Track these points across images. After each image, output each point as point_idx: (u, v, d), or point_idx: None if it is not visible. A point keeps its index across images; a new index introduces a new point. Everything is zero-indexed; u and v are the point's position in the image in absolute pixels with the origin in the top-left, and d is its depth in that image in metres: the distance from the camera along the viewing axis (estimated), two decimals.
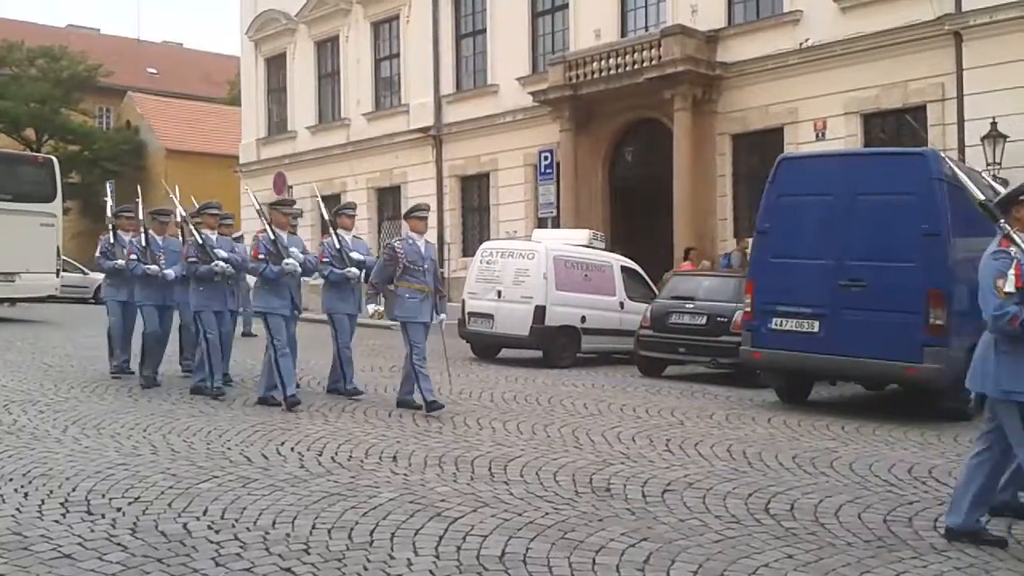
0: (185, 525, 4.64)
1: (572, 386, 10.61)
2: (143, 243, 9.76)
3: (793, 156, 11.59)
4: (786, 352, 9.24)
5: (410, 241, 8.52)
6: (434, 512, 5.00)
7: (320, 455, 6.37)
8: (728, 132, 20.14)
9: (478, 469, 6.11)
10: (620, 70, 20.55)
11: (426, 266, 8.50)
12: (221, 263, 8.90)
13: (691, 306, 12.18)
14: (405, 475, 5.87)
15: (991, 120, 16.02)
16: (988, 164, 15.79)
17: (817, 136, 18.66)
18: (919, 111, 17.59)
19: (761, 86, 19.46)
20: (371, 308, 8.69)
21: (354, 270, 9.09)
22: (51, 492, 5.20)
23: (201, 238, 8.98)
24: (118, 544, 4.32)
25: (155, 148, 39.83)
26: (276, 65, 31.63)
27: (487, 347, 13.81)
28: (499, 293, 13.19)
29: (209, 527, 4.62)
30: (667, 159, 19.85)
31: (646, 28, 21.61)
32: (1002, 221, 4.65)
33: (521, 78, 23.68)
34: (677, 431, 7.68)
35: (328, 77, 29.77)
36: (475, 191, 25.41)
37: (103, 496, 5.14)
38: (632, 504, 5.36)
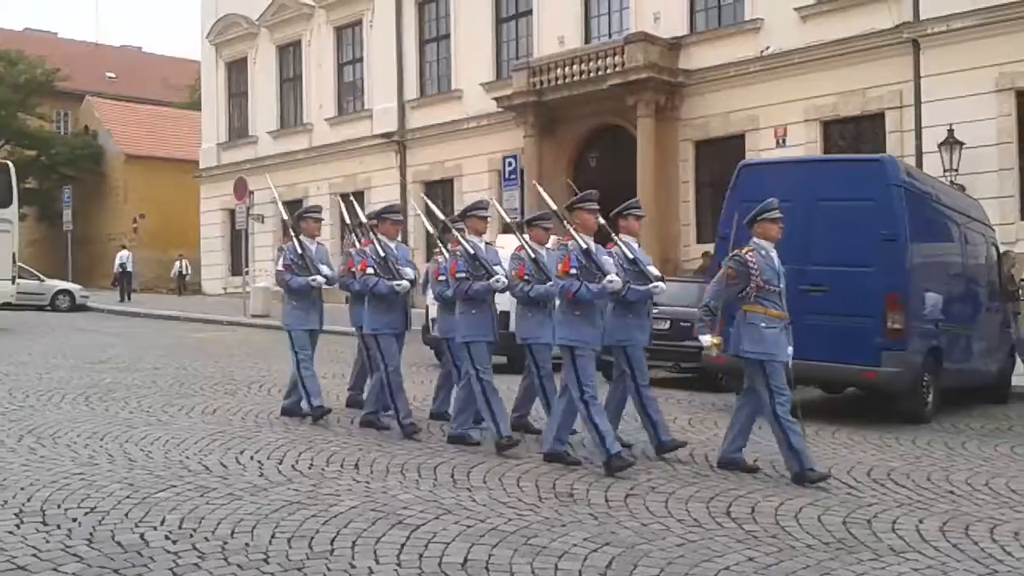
0: (142, 535, 4.56)
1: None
2: (379, 252, 7.57)
3: (754, 162, 11.70)
4: None
5: (763, 252, 6.43)
6: (396, 520, 4.96)
7: (280, 463, 6.29)
8: (691, 139, 20.33)
9: (441, 476, 6.07)
10: (584, 76, 20.66)
11: (782, 286, 6.51)
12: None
13: (654, 311, 12.20)
14: (367, 483, 5.82)
15: (948, 127, 16.34)
16: (945, 170, 16.10)
17: (778, 143, 18.90)
18: (877, 118, 17.90)
19: (723, 93, 19.68)
20: (707, 340, 6.47)
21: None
22: (5, 502, 5.08)
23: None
24: (74, 555, 4.23)
25: (114, 153, 39.25)
26: (237, 69, 31.38)
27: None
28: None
29: (167, 537, 4.54)
30: (631, 165, 19.97)
31: (609, 35, 21.76)
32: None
33: (485, 84, 23.71)
34: (641, 435, 7.69)
35: (290, 82, 29.60)
36: (439, 197, 25.36)
37: (58, 506, 5.03)
38: (595, 509, 5.36)
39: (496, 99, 22.50)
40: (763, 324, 6.33)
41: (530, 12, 23.14)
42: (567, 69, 20.95)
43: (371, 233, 7.77)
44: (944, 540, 4.98)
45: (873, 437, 8.14)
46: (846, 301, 8.74)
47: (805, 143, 18.41)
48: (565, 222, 6.64)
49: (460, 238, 7.13)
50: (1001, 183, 16.25)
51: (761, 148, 18.91)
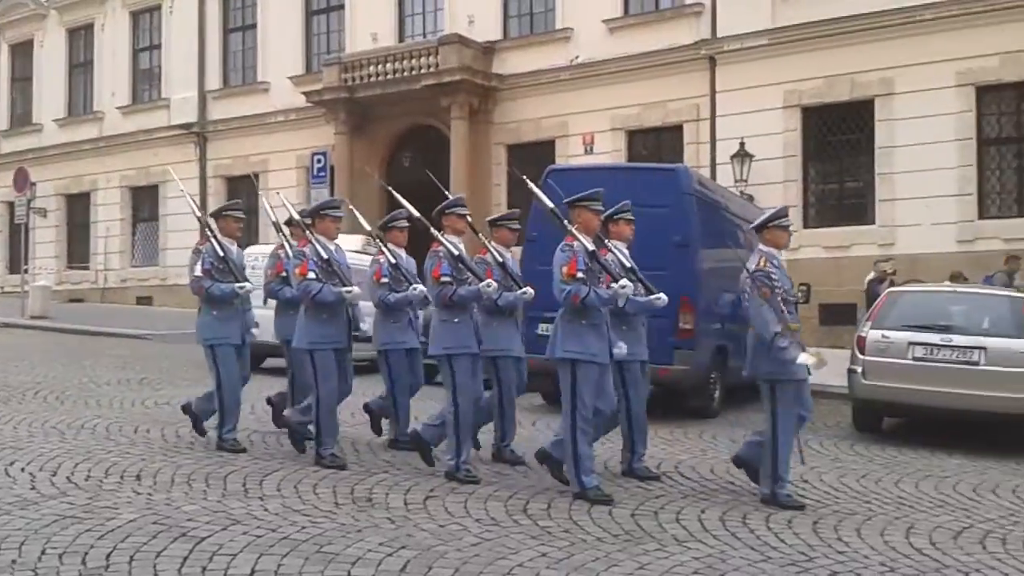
0: None
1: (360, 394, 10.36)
2: (321, 254, 6.53)
3: (561, 168, 11.97)
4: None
5: (775, 262, 6.02)
6: (179, 532, 4.67)
7: (54, 475, 5.81)
8: (503, 142, 20.60)
9: (231, 485, 5.80)
10: (397, 75, 20.51)
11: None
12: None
13: None
14: (149, 494, 5.46)
15: (740, 140, 17.37)
16: (736, 180, 17.11)
17: (586, 150, 19.48)
18: (677, 130, 18.80)
19: (534, 99, 20.07)
20: (807, 357, 5.76)
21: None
22: None
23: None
24: None
25: None
26: (22, 53, 29.10)
27: (252, 356, 13.15)
28: (264, 300, 12.64)
29: None
30: (445, 166, 19.98)
31: (424, 35, 21.70)
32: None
33: (294, 77, 23.08)
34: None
35: (80, 67, 27.70)
36: (244, 192, 24.41)
37: None
38: (393, 513, 5.27)
39: (305, 93, 21.94)
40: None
41: (342, 7, 22.72)
42: (380, 67, 20.71)
43: (308, 232, 6.65)
44: (723, 529, 5.24)
45: (664, 432, 8.48)
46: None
47: (611, 151, 19.07)
48: (566, 223, 5.85)
49: (440, 239, 6.39)
50: (786, 194, 17.41)
51: (570, 154, 19.42)
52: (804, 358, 5.71)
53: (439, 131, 20.82)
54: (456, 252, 6.29)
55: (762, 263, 5.90)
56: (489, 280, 6.22)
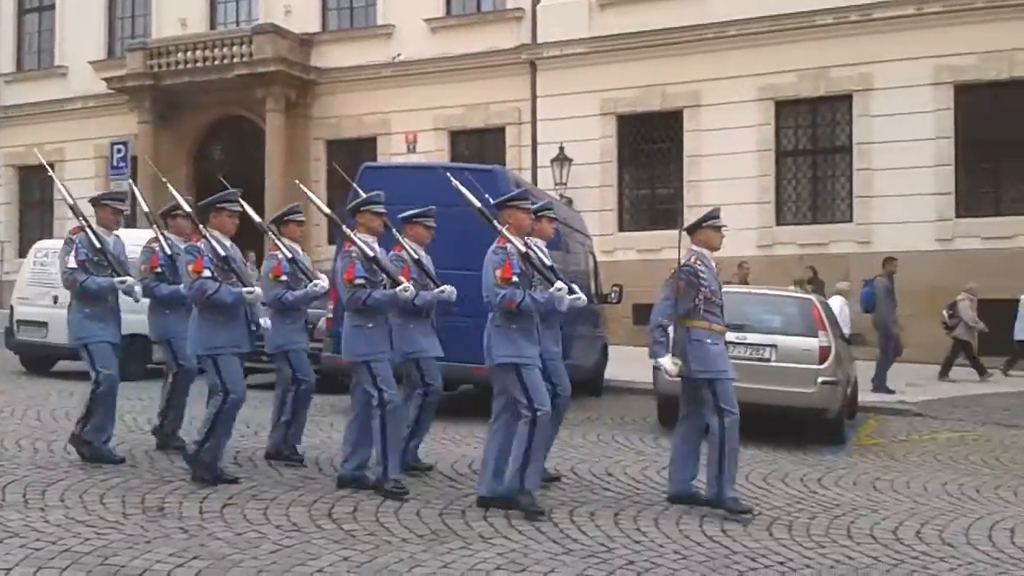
0: None
1: (137, 400, 9.76)
2: (217, 251, 6.00)
3: (376, 165, 11.82)
4: None
5: (706, 262, 5.98)
6: None
7: None
8: (323, 137, 20.17)
9: (10, 496, 5.31)
10: (208, 63, 19.68)
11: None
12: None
13: None
14: None
15: (559, 145, 17.77)
16: (556, 184, 17.50)
17: (409, 148, 19.37)
18: (499, 132, 19.01)
19: (356, 95, 19.77)
20: (666, 362, 5.75)
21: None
22: None
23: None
24: None
25: None
26: None
27: (40, 359, 12.20)
28: (55, 299, 11.76)
29: None
30: (259, 160, 19.35)
31: (237, 23, 20.93)
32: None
33: (95, 62, 21.70)
34: (248, 442, 7.35)
35: None
36: (37, 184, 22.70)
37: None
38: (186, 522, 4.98)
39: (107, 79, 20.64)
40: (708, 340, 5.85)
41: None
42: (190, 54, 19.79)
43: (200, 227, 6.10)
44: (528, 524, 5.27)
45: (479, 431, 8.46)
46: (463, 303, 9.05)
47: (435, 151, 19.05)
48: (495, 222, 5.63)
49: (352, 237, 5.92)
50: (603, 198, 18.00)
51: (393, 152, 19.27)
52: (665, 361, 5.76)
53: (253, 123, 20.13)
54: (372, 253, 5.88)
55: (693, 260, 5.91)
56: (406, 284, 5.90)
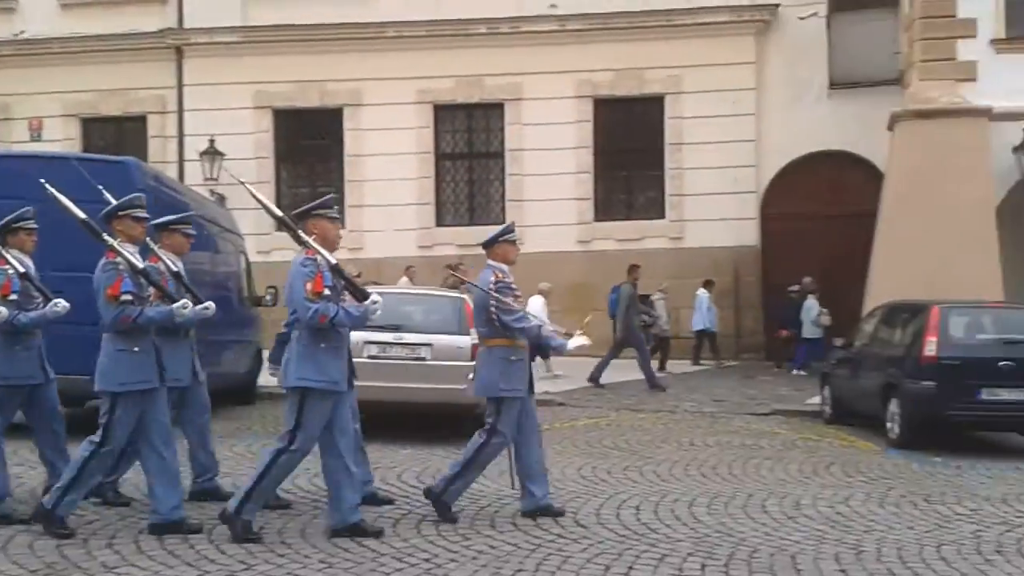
0: None
1: None
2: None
3: None
4: None
5: (507, 273, 5.88)
6: None
7: None
8: None
9: None
10: None
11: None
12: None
13: None
14: None
15: (210, 137, 16.78)
16: (207, 179, 16.51)
17: (33, 136, 17.35)
18: (141, 121, 17.60)
19: None
20: (579, 341, 5.98)
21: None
22: None
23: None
24: None
25: None
26: None
27: None
28: None
29: None
30: None
31: None
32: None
33: None
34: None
35: None
36: None
37: None
38: None
39: None
40: (512, 357, 5.77)
41: None
42: None
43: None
44: (160, 548, 4.79)
45: None
46: (82, 310, 8.10)
47: (63, 139, 17.20)
48: (300, 232, 5.15)
49: (117, 247, 5.13)
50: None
51: (15, 140, 17.12)
52: (578, 341, 5.94)
53: None
54: (142, 265, 5.24)
55: (499, 276, 5.80)
56: (185, 301, 5.30)
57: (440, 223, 17.62)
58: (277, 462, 5.09)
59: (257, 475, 5.09)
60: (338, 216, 5.51)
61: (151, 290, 5.29)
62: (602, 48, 16.96)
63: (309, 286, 5.02)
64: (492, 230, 6.25)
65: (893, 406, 9.38)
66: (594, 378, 13.08)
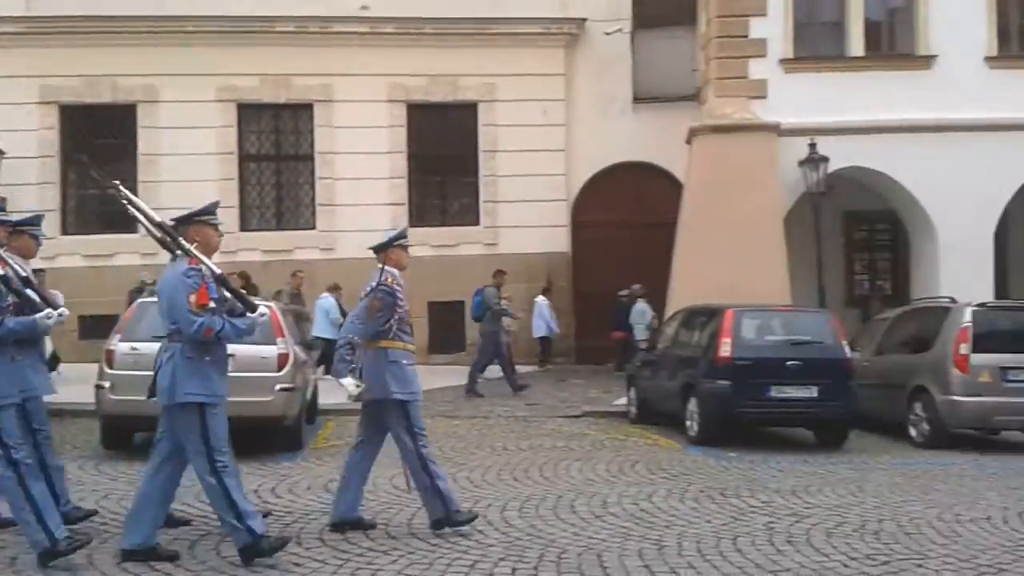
0: None
1: None
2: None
3: None
4: None
5: (399, 281, 5.81)
6: None
7: None
8: None
9: None
10: None
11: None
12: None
13: None
14: None
15: None
16: None
17: None
18: None
19: None
20: (350, 383, 5.58)
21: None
22: None
23: None
24: None
25: None
26: None
27: None
28: None
29: None
30: None
31: None
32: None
33: None
34: None
35: None
36: None
37: None
38: None
39: None
40: (405, 361, 5.73)
41: None
42: None
43: None
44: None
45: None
46: None
47: None
48: (182, 240, 4.94)
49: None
50: (43, 197, 15.97)
51: None
52: (348, 382, 5.60)
53: None
54: (24, 272, 5.14)
55: (388, 280, 5.69)
56: (48, 311, 4.99)
57: (244, 227, 16.90)
58: (227, 484, 4.87)
59: (226, 508, 4.86)
60: (221, 222, 5.29)
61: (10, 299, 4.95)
62: (415, 53, 16.84)
63: (193, 298, 4.84)
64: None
65: (692, 405, 9.79)
66: (470, 390, 13.07)
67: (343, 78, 16.74)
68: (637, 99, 17.48)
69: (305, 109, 17.18)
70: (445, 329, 16.53)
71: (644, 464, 8.33)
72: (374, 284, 5.68)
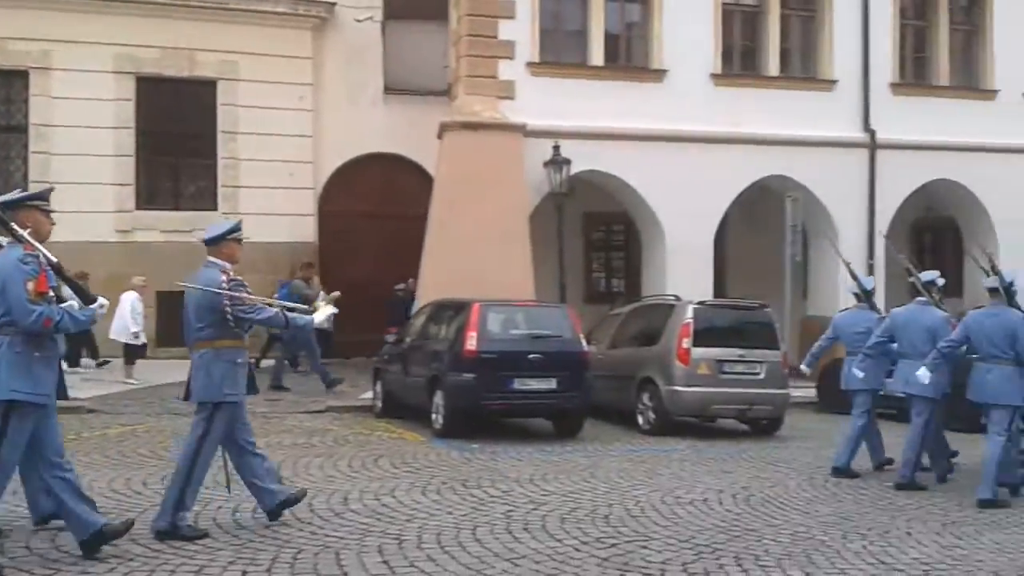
0: None
1: None
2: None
3: None
4: None
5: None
6: None
7: None
8: None
9: None
10: None
11: None
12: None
13: None
14: None
15: None
16: None
17: None
18: None
19: None
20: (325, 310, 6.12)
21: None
22: None
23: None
24: None
25: None
26: None
27: None
28: None
29: None
30: None
31: None
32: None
33: None
34: None
35: None
36: None
37: None
38: None
39: None
40: (239, 360, 5.50)
41: None
42: None
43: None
44: None
45: None
46: None
47: None
48: (14, 225, 4.63)
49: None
50: None
51: None
52: (323, 311, 5.97)
53: None
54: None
55: (232, 274, 5.46)
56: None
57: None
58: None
59: None
60: (52, 209, 4.93)
61: None
62: (146, 23, 15.74)
63: (31, 286, 4.55)
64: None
65: (438, 398, 9.78)
66: (275, 386, 12.43)
67: (64, 44, 15.36)
68: (388, 90, 17.32)
69: (20, 76, 15.51)
70: (177, 321, 15.45)
71: (388, 459, 8.19)
72: (223, 282, 5.39)
